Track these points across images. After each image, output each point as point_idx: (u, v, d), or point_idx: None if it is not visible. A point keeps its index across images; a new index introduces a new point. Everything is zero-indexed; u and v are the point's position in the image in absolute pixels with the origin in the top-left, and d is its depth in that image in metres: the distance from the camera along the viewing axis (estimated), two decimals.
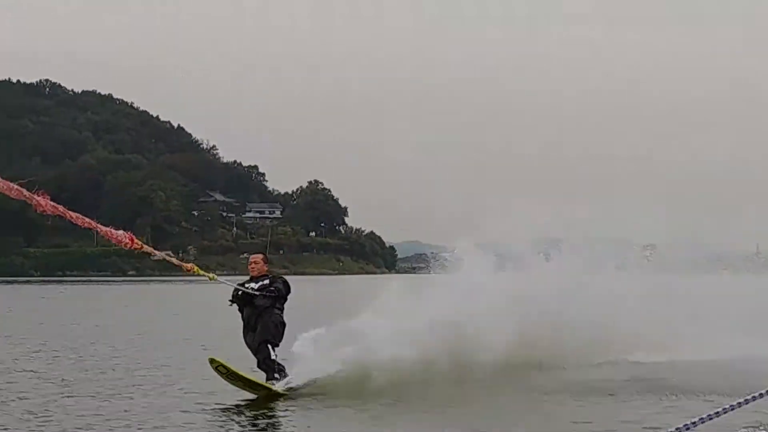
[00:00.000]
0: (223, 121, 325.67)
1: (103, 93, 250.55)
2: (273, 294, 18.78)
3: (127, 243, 14.66)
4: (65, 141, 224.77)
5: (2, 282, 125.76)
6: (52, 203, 11.47)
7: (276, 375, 18.70)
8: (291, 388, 18.67)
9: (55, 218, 12.42)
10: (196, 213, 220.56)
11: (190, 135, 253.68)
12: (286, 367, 18.97)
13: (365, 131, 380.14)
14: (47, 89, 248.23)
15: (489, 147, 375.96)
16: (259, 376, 19.06)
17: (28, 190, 11.22)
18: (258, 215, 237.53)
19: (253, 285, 18.88)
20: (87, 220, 13.60)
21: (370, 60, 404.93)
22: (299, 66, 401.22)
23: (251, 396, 18.76)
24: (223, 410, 17.55)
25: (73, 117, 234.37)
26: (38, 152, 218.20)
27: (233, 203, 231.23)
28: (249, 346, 18.93)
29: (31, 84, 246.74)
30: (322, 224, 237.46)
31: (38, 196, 11.27)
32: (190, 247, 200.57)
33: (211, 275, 18.44)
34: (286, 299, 19.12)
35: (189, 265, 17.70)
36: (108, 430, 15.48)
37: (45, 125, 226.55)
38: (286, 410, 17.51)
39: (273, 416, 17.11)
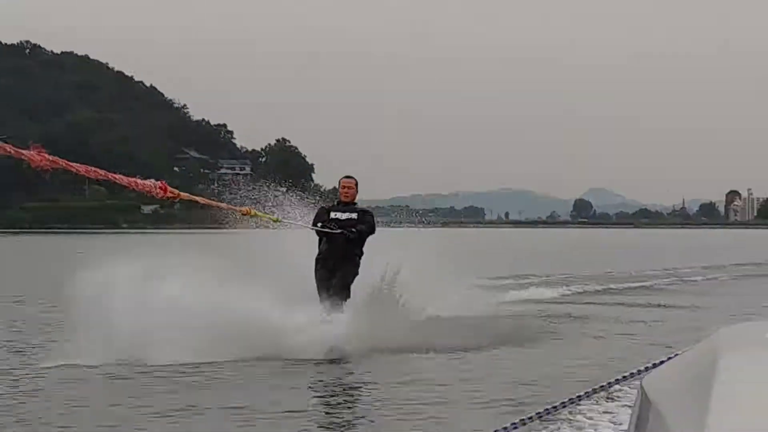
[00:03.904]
0: (192, 81, 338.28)
1: (80, 54, 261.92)
2: (356, 235, 16.10)
3: (158, 192, 12.58)
4: (50, 100, 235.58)
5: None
6: (50, 157, 9.73)
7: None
8: None
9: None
10: (177, 169, 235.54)
11: (162, 94, 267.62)
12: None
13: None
14: (28, 50, 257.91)
15: None
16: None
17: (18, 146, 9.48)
18: (230, 171, 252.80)
19: (339, 215, 16.27)
20: (101, 171, 11.53)
21: None
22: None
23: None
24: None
25: (55, 77, 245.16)
26: (26, 112, 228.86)
27: (208, 160, 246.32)
28: (320, 286, 15.87)
29: (12, 44, 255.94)
30: (290, 180, 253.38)
31: (31, 150, 9.53)
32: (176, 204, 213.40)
33: (274, 217, 16.03)
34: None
35: (244, 209, 15.53)
36: None
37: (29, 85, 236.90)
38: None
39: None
